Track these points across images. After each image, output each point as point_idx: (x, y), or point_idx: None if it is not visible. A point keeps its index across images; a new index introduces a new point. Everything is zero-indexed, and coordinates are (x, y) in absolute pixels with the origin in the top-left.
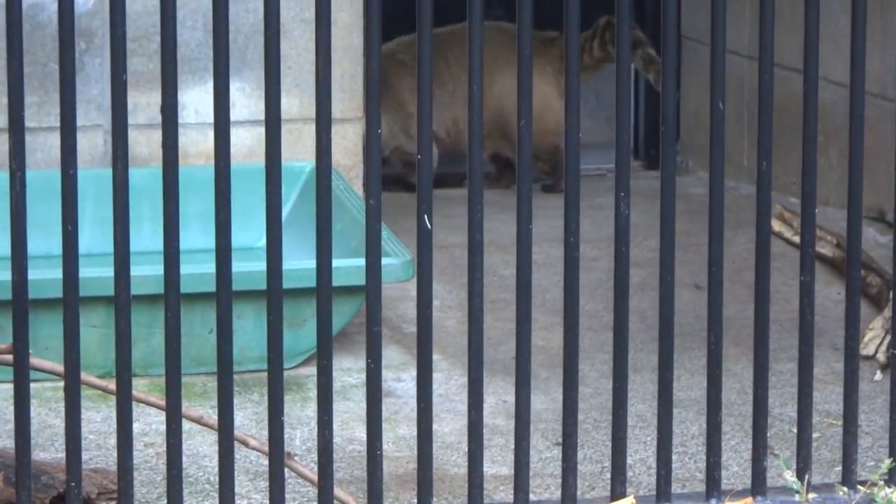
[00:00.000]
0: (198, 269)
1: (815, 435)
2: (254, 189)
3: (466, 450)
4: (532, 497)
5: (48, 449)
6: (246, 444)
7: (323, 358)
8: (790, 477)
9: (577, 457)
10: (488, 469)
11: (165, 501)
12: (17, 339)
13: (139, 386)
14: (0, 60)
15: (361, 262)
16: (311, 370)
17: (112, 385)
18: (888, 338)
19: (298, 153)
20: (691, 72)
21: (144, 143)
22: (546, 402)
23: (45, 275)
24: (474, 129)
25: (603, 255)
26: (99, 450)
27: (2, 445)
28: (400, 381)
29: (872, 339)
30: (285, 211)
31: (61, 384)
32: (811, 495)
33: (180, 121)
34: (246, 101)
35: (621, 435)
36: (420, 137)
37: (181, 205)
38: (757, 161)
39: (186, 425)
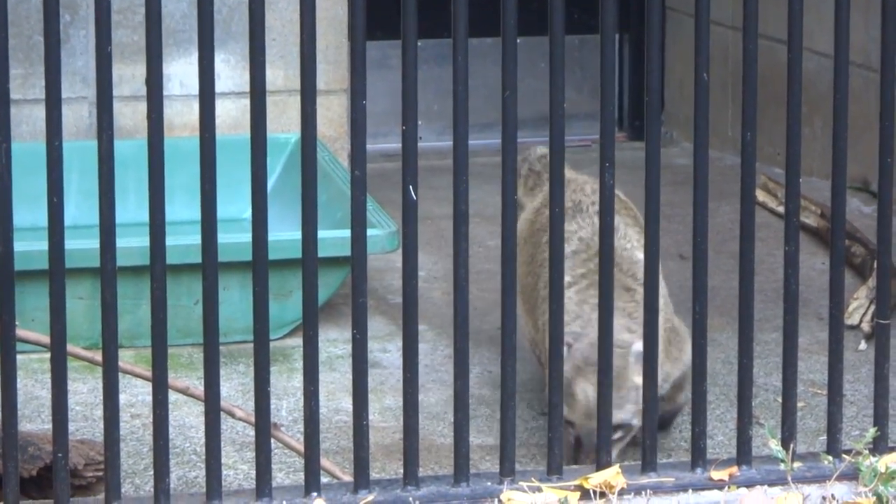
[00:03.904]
0: (183, 241)
1: (799, 404)
2: (239, 160)
3: (452, 420)
4: (518, 467)
5: (35, 420)
6: (232, 415)
7: (309, 329)
8: (775, 446)
9: (562, 427)
10: (474, 439)
11: (152, 472)
12: (3, 311)
13: (125, 357)
14: None
15: (347, 233)
16: (297, 341)
17: (98, 356)
18: (872, 307)
19: (283, 125)
20: (676, 43)
21: (129, 115)
22: (531, 373)
23: (31, 246)
24: (459, 96)
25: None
26: (85, 421)
27: None
28: (386, 351)
29: (857, 309)
30: (270, 182)
31: (48, 355)
32: (796, 464)
33: (165, 93)
34: (231, 72)
35: (607, 406)
36: (405, 101)
37: (167, 176)
38: (741, 131)
39: (173, 396)
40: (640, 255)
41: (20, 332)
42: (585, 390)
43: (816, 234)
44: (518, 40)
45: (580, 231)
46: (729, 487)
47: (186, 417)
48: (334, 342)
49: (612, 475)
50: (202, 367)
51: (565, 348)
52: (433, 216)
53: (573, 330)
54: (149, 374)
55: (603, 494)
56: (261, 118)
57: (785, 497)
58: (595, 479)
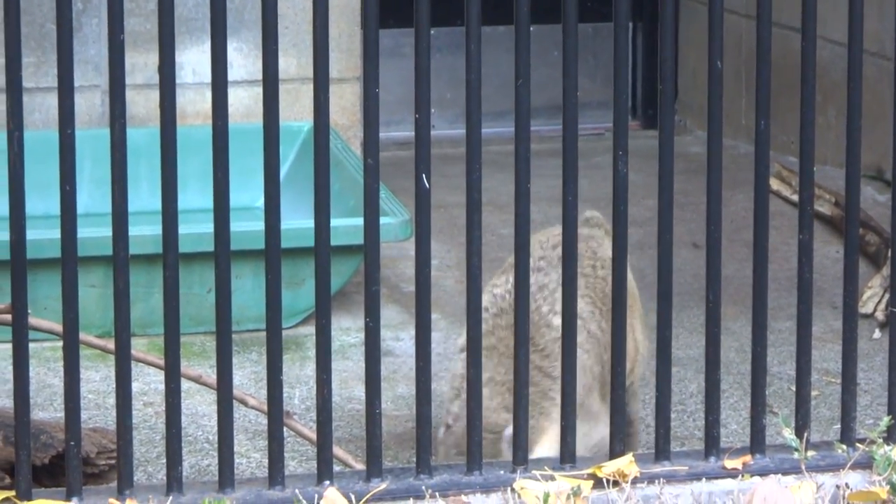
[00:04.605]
0: (196, 229)
1: (813, 393)
2: (252, 149)
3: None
4: (531, 455)
5: (47, 408)
6: (245, 403)
7: (321, 317)
8: (789, 435)
9: (576, 415)
10: None
11: (164, 460)
12: (15, 299)
13: (138, 345)
14: None
15: (360, 221)
16: (310, 329)
17: (111, 344)
18: (887, 296)
19: (296, 113)
20: (689, 31)
21: (142, 104)
22: None
23: (44, 235)
24: (472, 84)
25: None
26: (98, 409)
27: (1, 405)
28: (398, 340)
29: (871, 298)
30: (283, 170)
31: (60, 344)
32: (810, 453)
33: (178, 81)
34: (243, 60)
35: (620, 394)
36: (418, 90)
37: (179, 165)
38: (755, 120)
39: (185, 384)
40: (556, 322)
41: (32, 320)
42: None
43: (830, 222)
44: (531, 28)
45: (495, 288)
46: (742, 476)
47: (199, 406)
48: (347, 330)
49: (626, 464)
50: (215, 356)
51: (443, 428)
52: (446, 204)
53: (453, 410)
54: (161, 362)
55: (616, 483)
56: (273, 106)
57: (799, 486)
58: (608, 468)
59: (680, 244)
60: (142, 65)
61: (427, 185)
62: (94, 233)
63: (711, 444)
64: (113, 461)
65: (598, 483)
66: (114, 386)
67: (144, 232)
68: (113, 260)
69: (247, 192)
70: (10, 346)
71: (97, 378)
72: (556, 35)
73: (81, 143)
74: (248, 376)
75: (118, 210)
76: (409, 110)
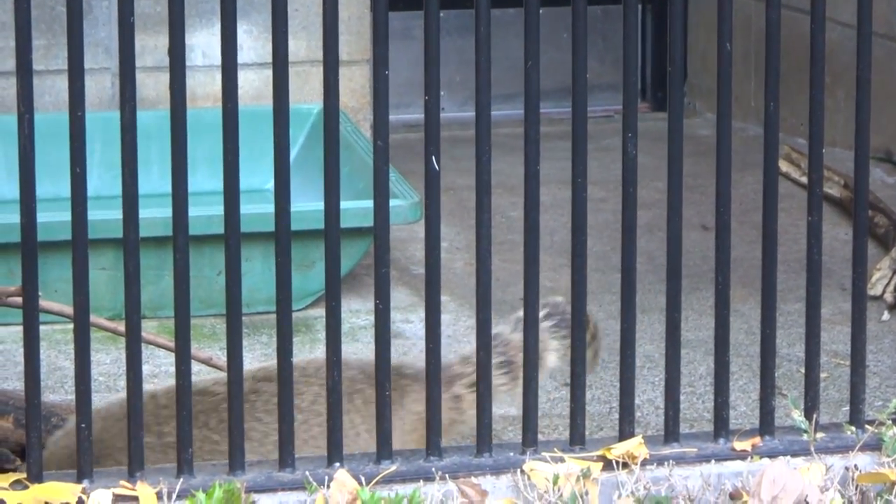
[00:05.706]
0: (206, 212)
1: (822, 375)
2: (262, 131)
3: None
4: (541, 437)
5: (58, 391)
6: None
7: (331, 299)
8: (798, 417)
9: (585, 397)
10: (496, 409)
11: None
12: (26, 282)
13: (148, 328)
14: (7, 3)
15: (369, 203)
16: (320, 312)
17: (121, 327)
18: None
19: (306, 95)
20: (699, 13)
21: (152, 86)
22: None
23: (54, 217)
24: (482, 66)
25: (610, 197)
26: (108, 391)
27: (12, 387)
28: (408, 322)
29: (880, 280)
30: (293, 153)
31: (71, 326)
32: (819, 435)
33: (188, 63)
34: (253, 43)
35: (629, 375)
36: (428, 72)
37: (189, 147)
38: (764, 102)
39: (195, 367)
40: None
41: (43, 302)
42: None
43: (839, 204)
44: (541, 10)
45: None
46: (752, 458)
47: None
48: (357, 313)
49: (635, 445)
50: (225, 338)
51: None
52: (456, 187)
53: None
54: (172, 344)
55: (626, 465)
56: (283, 89)
57: (808, 467)
58: (618, 450)
59: (689, 226)
60: (152, 47)
61: (437, 167)
62: (105, 215)
63: (721, 425)
64: None
65: (608, 465)
66: (124, 368)
67: (155, 214)
68: (123, 242)
69: (257, 175)
70: (20, 328)
71: (108, 360)
72: (565, 17)
73: (91, 125)
74: (259, 358)
75: (128, 193)
76: (418, 93)
